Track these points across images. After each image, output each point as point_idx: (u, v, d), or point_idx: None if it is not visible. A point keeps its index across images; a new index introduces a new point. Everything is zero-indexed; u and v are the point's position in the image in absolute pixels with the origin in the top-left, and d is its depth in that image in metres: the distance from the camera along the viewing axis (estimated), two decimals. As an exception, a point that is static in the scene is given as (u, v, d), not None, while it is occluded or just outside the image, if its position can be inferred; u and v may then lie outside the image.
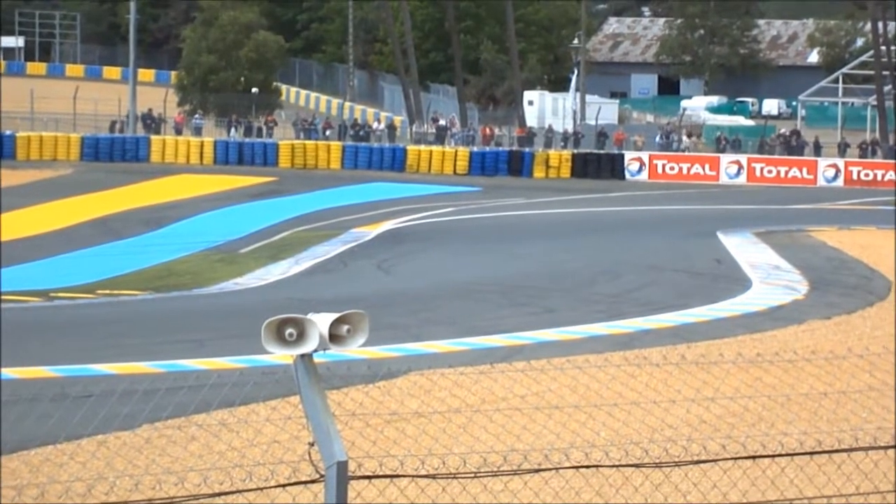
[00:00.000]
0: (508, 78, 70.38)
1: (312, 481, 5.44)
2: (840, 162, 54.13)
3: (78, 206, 44.80)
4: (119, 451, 10.09)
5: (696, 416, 11.26)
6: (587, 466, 6.56)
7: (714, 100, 79.18)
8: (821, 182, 52.75)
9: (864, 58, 66.94)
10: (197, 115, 62.03)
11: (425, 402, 12.06)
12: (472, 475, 6.13)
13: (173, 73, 70.76)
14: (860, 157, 55.45)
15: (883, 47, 61.75)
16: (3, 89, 60.08)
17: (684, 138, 57.08)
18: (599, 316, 20.62)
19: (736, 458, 6.81)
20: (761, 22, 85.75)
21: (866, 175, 53.26)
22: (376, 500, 7.05)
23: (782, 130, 59.37)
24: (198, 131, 59.48)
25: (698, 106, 74.88)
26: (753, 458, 7.02)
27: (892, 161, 53.52)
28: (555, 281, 25.67)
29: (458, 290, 24.60)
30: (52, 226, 40.19)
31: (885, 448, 6.89)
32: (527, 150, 55.91)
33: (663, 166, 54.33)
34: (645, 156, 54.73)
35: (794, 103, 72.25)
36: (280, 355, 5.29)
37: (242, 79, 64.35)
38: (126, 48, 63.07)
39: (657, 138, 57.76)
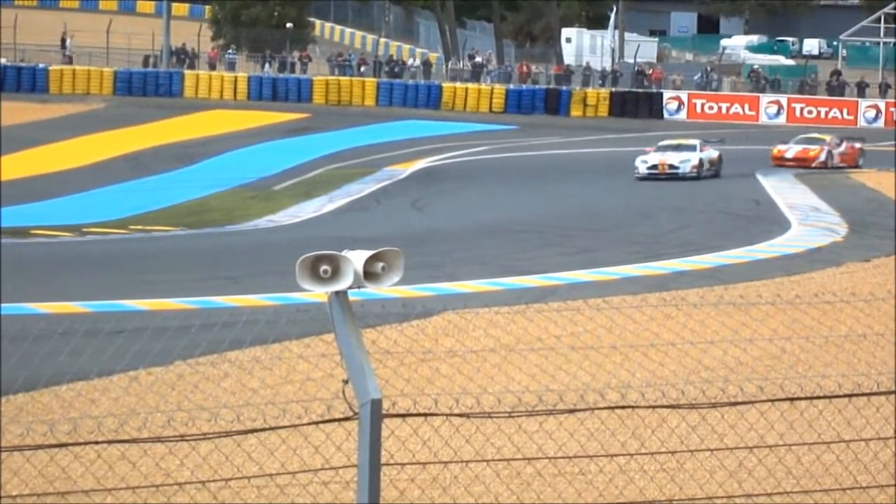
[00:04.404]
0: (546, 14, 69.67)
1: (346, 419, 5.37)
2: (881, 103, 53.44)
3: (110, 140, 44.83)
4: (151, 387, 10.08)
5: (734, 358, 11.14)
6: (623, 407, 6.47)
7: (754, 39, 78.19)
8: (861, 123, 52.10)
9: (907, -3, 65.81)
10: (230, 50, 61.81)
11: (460, 341, 11.99)
12: (507, 414, 6.04)
13: (207, 8, 70.45)
14: (901, 97, 54.75)
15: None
16: (36, 22, 60.03)
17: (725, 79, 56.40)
18: (636, 257, 20.48)
19: (773, 400, 6.70)
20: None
21: (907, 116, 52.59)
22: (410, 438, 6.98)
23: (757, 67, 58.52)
24: (231, 66, 59.30)
25: (738, 45, 73.95)
26: (791, 400, 6.91)
27: (934, 102, 52.84)
28: (591, 221, 25.51)
29: (493, 229, 24.49)
30: (85, 160, 40.28)
31: (928, 392, 6.75)
32: (564, 88, 55.44)
33: (702, 105, 53.78)
34: (684, 95, 54.18)
35: (834, 43, 71.21)
36: (314, 292, 5.19)
37: (276, 13, 63.95)
38: (160, -18, 62.83)
39: (696, 77, 57.14)
